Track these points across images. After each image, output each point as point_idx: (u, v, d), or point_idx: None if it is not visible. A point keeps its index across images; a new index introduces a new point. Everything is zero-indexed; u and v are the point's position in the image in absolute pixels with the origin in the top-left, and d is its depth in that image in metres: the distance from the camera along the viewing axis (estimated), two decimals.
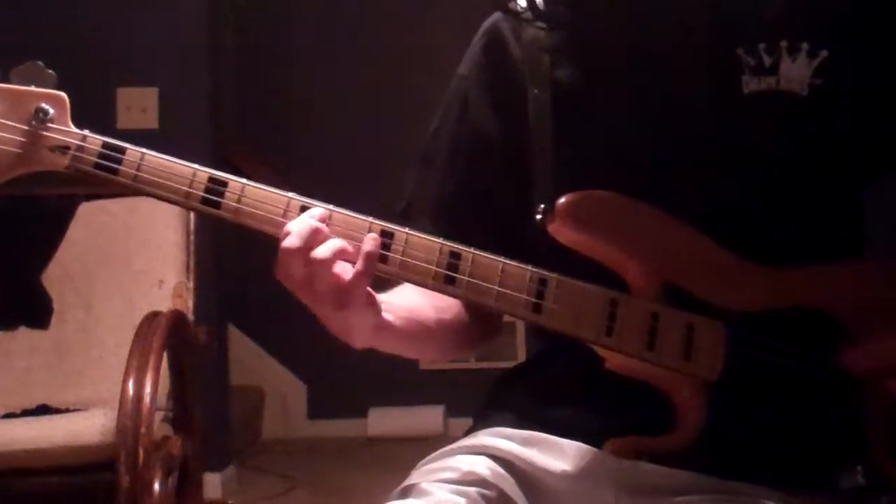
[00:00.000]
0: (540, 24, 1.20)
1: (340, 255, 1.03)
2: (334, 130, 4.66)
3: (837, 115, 1.13)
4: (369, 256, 1.03)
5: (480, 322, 1.26)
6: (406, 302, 1.15)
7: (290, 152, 4.63)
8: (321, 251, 1.02)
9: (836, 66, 1.12)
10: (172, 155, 1.07)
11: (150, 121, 3.42)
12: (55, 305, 2.86)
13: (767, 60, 1.13)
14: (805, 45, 1.12)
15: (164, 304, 2.71)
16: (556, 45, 1.20)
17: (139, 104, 3.42)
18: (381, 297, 1.10)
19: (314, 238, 1.02)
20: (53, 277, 2.89)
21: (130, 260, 2.87)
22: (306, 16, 4.72)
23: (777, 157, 1.13)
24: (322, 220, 1.04)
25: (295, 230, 1.02)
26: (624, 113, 1.16)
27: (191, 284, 2.84)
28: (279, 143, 4.63)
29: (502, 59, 1.23)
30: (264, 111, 4.63)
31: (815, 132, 1.13)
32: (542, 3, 1.20)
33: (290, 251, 1.02)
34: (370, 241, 1.04)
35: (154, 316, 2.47)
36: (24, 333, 2.85)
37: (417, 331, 1.16)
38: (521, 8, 1.21)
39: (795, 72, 1.12)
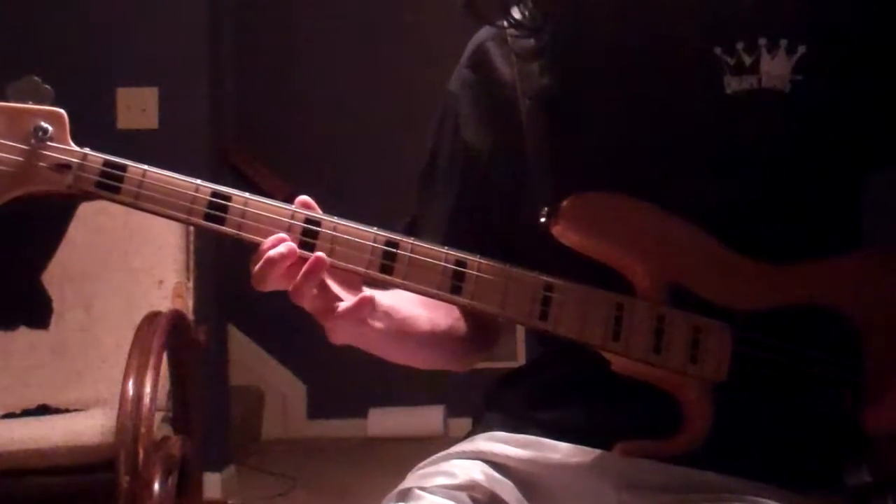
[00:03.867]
0: (525, 34, 1.20)
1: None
2: (334, 130, 4.66)
3: (822, 109, 1.13)
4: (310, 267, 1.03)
5: (476, 335, 1.26)
6: (401, 308, 1.14)
7: (291, 152, 4.63)
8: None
9: (815, 60, 1.11)
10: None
11: (151, 121, 3.41)
12: (55, 305, 2.86)
13: (747, 59, 1.12)
14: (783, 42, 1.12)
15: (164, 304, 2.71)
16: (543, 52, 1.20)
17: (139, 104, 3.42)
18: (381, 300, 1.10)
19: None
20: (53, 277, 2.89)
21: (130, 260, 2.86)
22: (306, 15, 4.73)
23: (767, 155, 1.12)
24: (328, 231, 1.05)
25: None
26: (616, 116, 1.16)
27: (191, 284, 2.84)
28: (279, 143, 4.62)
29: (490, 73, 1.24)
30: (264, 111, 4.63)
31: (802, 127, 1.12)
32: (527, 14, 1.20)
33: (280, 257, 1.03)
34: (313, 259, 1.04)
35: (154, 316, 2.47)
36: (24, 333, 2.85)
37: (403, 339, 1.16)
38: (506, 21, 1.21)
39: (776, 69, 1.12)
